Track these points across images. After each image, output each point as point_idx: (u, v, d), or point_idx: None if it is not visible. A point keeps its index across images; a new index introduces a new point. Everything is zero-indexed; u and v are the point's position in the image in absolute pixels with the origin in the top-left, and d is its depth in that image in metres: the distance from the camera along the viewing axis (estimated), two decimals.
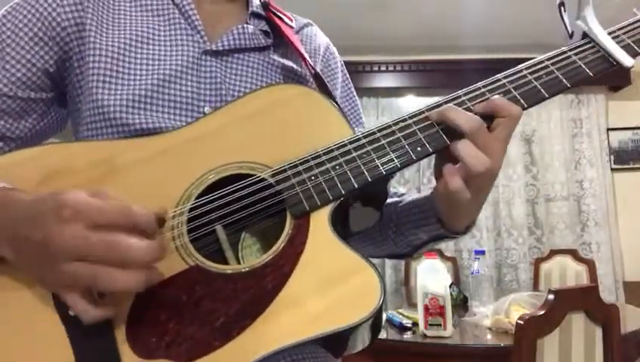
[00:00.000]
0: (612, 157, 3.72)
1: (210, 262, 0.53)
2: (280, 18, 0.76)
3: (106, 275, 0.44)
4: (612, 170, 3.71)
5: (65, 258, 0.44)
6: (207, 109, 0.66)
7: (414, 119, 0.61)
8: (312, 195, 0.56)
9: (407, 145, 0.59)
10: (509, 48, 3.50)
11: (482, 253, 2.33)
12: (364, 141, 0.59)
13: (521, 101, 0.60)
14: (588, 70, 0.62)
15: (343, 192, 0.56)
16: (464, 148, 0.56)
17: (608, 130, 3.72)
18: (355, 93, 0.86)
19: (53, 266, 0.45)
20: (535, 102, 0.61)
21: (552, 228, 3.66)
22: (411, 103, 3.78)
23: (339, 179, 0.57)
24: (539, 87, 0.61)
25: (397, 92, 3.81)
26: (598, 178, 3.65)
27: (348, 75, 0.86)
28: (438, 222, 0.66)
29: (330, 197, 0.56)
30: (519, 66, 0.63)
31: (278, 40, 0.75)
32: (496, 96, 0.60)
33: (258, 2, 0.77)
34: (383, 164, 0.58)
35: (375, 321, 0.50)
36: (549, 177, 3.69)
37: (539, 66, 0.63)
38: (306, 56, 0.73)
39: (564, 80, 0.62)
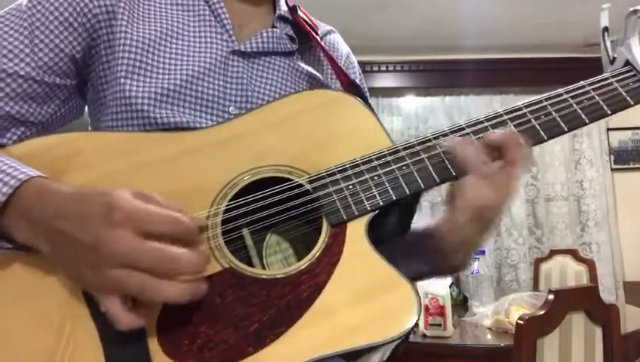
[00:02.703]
0: (612, 157, 3.71)
1: (245, 265, 0.52)
2: (306, 23, 0.76)
3: (154, 286, 0.44)
4: (612, 170, 3.70)
5: (113, 264, 0.44)
6: (231, 109, 0.66)
7: (456, 134, 0.60)
8: (349, 205, 0.55)
9: (447, 160, 0.58)
10: (508, 48, 3.50)
11: (482, 253, 2.33)
12: (403, 153, 0.58)
13: (562, 125, 0.60)
14: (629, 98, 0.62)
15: (382, 204, 0.56)
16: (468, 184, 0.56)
17: (608, 130, 3.72)
18: (369, 103, 0.85)
19: (99, 270, 0.45)
20: (575, 126, 0.60)
21: (552, 228, 3.65)
22: (411, 103, 3.75)
23: (377, 190, 0.56)
24: (579, 111, 0.60)
25: (397, 92, 3.78)
26: (598, 178, 3.64)
27: (365, 86, 0.86)
28: (437, 253, 0.64)
29: (368, 208, 0.55)
30: (558, 90, 0.62)
31: (303, 45, 0.76)
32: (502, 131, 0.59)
33: (285, 7, 0.77)
34: (422, 178, 0.57)
35: (406, 338, 0.50)
36: (549, 177, 3.69)
37: (580, 91, 0.62)
38: (338, 62, 0.73)
39: (604, 107, 0.61)
